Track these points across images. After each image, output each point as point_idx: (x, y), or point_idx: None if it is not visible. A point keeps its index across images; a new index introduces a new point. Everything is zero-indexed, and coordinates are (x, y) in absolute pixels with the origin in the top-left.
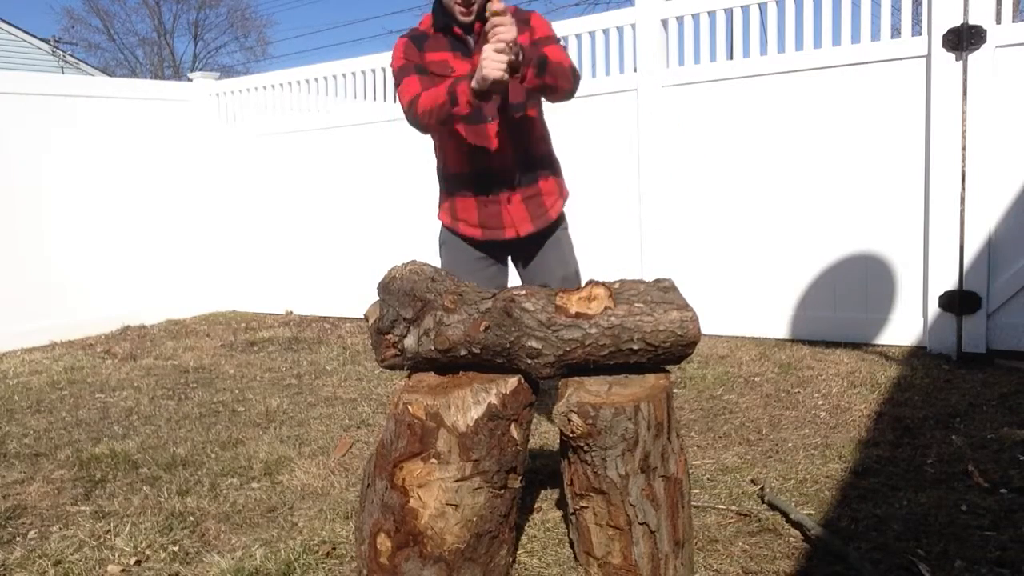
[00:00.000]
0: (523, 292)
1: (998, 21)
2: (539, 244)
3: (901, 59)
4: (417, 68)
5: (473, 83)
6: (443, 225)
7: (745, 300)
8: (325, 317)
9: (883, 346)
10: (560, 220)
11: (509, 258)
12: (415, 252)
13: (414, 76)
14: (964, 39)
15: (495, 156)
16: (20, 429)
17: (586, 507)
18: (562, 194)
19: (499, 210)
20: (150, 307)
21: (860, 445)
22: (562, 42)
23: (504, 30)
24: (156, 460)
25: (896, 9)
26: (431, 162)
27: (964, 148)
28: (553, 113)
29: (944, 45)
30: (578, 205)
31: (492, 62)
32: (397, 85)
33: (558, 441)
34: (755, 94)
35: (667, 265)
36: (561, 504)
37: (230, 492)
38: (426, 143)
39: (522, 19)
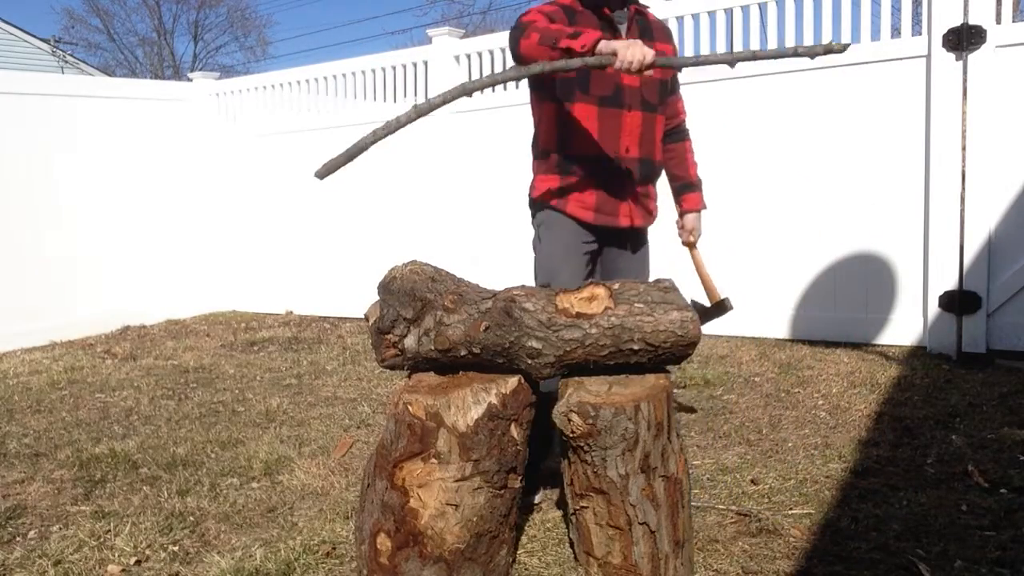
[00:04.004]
0: (523, 292)
1: (998, 21)
2: (632, 247)
3: (901, 59)
4: (552, 18)
5: (617, 60)
6: (545, 204)
7: (745, 300)
8: (325, 317)
9: (883, 346)
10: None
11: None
12: (415, 252)
13: (545, 18)
14: (964, 39)
15: (624, 145)
16: (20, 429)
17: (586, 507)
18: (657, 202)
19: (618, 196)
20: (150, 307)
21: (860, 445)
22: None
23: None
24: (156, 460)
25: (896, 9)
26: (431, 163)
27: (964, 148)
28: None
29: (944, 45)
30: None
31: (639, 58)
32: (523, 16)
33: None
34: (755, 94)
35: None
36: (561, 504)
37: (230, 492)
38: (426, 144)
39: (665, 29)
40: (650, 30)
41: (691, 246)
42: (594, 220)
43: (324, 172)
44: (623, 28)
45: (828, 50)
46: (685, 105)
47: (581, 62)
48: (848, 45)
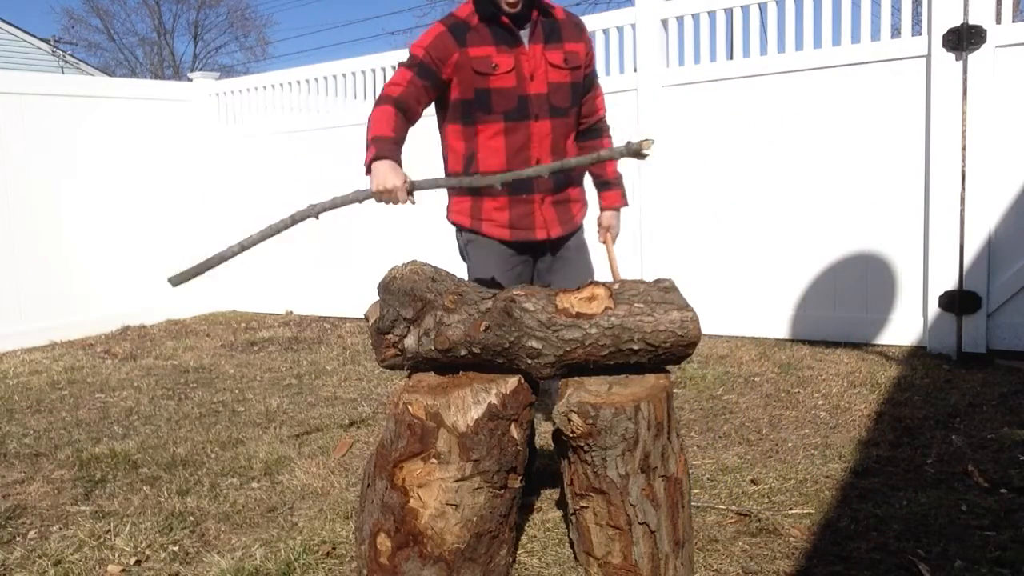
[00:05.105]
0: (523, 292)
1: (998, 21)
2: (561, 250)
3: (901, 59)
4: (422, 70)
5: (371, 183)
6: (462, 227)
7: (745, 300)
8: (325, 317)
9: (883, 346)
10: (581, 227)
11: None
12: (415, 252)
13: (414, 75)
14: (964, 39)
15: (534, 157)
16: (20, 429)
17: (586, 507)
18: (585, 203)
19: (531, 210)
20: (150, 307)
21: (860, 445)
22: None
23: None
24: (156, 460)
25: (896, 9)
26: (431, 163)
27: (964, 148)
28: None
29: (944, 45)
30: None
31: (392, 201)
32: (399, 66)
33: None
34: (755, 94)
35: (667, 265)
36: (561, 504)
37: (230, 492)
38: (429, 143)
39: (577, 25)
40: (558, 30)
41: (607, 244)
42: (511, 237)
43: (178, 280)
44: (525, 35)
45: (633, 152)
46: (603, 97)
47: (355, 197)
48: (651, 143)
